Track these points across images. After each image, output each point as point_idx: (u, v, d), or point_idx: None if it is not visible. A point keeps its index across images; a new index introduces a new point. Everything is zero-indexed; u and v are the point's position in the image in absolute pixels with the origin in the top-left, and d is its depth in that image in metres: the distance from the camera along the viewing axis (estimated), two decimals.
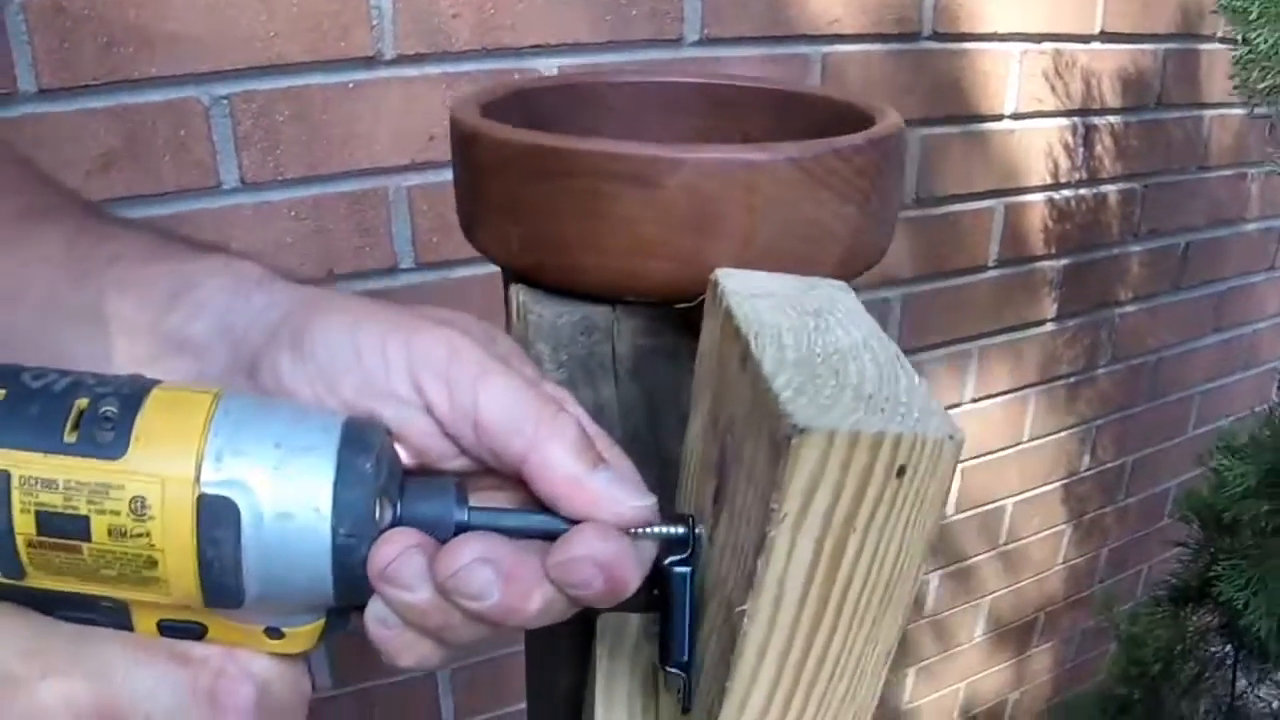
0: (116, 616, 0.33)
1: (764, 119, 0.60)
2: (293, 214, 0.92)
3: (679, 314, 0.45)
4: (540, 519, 0.34)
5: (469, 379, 0.34)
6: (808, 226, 0.43)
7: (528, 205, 0.44)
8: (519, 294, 0.48)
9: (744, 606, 0.30)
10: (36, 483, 0.29)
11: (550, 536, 0.33)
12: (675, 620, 0.36)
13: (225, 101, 0.87)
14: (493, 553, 0.32)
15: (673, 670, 0.36)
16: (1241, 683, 1.43)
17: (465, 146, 0.47)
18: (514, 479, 0.35)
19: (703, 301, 0.39)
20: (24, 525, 0.30)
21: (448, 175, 0.95)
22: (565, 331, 0.47)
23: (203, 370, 0.36)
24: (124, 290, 0.37)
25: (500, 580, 0.32)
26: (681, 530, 0.35)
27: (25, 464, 0.29)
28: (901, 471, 0.28)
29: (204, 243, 0.41)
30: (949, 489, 0.29)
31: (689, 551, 0.35)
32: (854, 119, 0.50)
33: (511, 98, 0.55)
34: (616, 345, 0.48)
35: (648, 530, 0.34)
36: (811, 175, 0.42)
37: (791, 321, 0.34)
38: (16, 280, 0.38)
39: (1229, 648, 1.42)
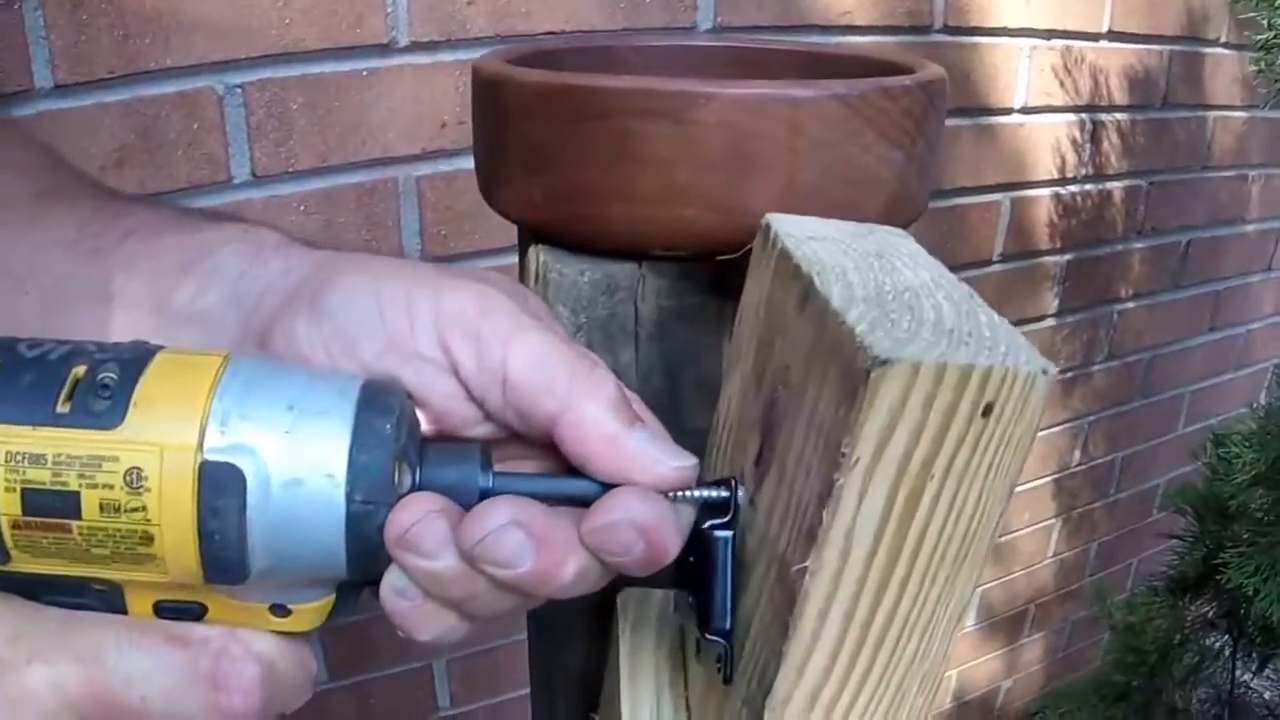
0: (110, 599, 0.31)
1: (781, 78, 0.58)
2: (302, 208, 0.91)
3: (709, 271, 0.42)
4: (573, 483, 0.32)
5: (500, 335, 0.32)
6: (852, 170, 0.40)
7: (553, 152, 0.41)
8: (539, 254, 0.45)
9: (805, 564, 0.28)
10: (23, 458, 0.27)
11: (583, 502, 0.32)
12: (717, 586, 0.34)
13: (239, 90, 0.85)
14: (524, 516, 0.30)
15: (713, 638, 0.34)
16: (1240, 673, 1.44)
17: (488, 95, 0.44)
18: (541, 445, 0.33)
19: (748, 252, 0.37)
20: (8, 505, 0.28)
21: (458, 164, 0.96)
22: (586, 292, 0.44)
23: (210, 340, 0.34)
24: (134, 266, 0.36)
25: (533, 546, 0.30)
26: (724, 493, 0.33)
27: (11, 439, 0.27)
28: (989, 410, 0.26)
29: (223, 213, 0.40)
30: (1035, 432, 0.27)
31: (730, 515, 0.33)
32: (886, 73, 0.47)
33: (535, 56, 0.51)
34: (640, 306, 0.45)
35: (688, 494, 0.33)
36: (859, 114, 0.39)
37: (855, 261, 0.31)
38: (28, 265, 0.37)
39: (1227, 637, 1.44)
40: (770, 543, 0.31)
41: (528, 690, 0.58)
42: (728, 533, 0.33)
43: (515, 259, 1.00)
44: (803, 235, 0.33)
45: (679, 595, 0.38)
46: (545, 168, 0.42)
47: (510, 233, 0.96)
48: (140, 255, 0.36)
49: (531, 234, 0.46)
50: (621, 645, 0.44)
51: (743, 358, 0.36)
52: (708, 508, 0.34)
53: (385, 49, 0.89)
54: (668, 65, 0.58)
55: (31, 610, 0.31)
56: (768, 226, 0.35)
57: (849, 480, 0.26)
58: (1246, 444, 1.15)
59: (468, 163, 0.96)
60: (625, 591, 0.45)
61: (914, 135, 0.42)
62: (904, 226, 0.44)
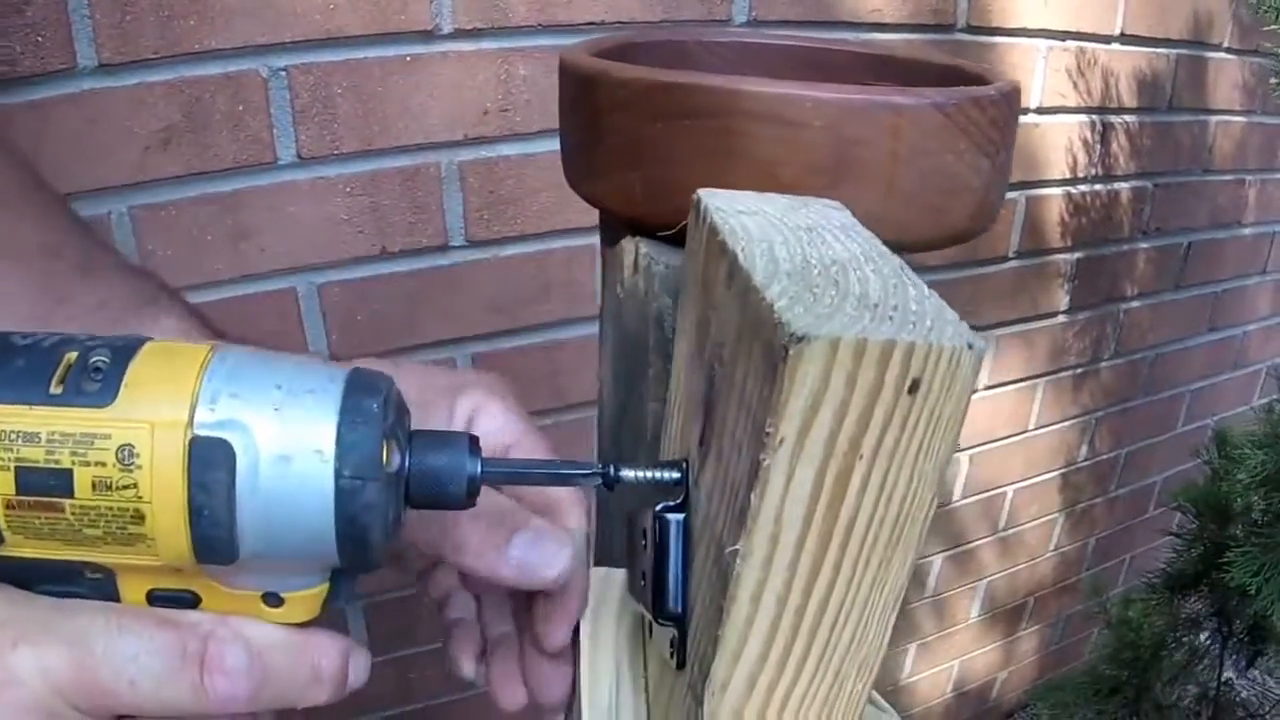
0: (102, 587, 0.31)
1: (855, 80, 0.59)
2: (348, 190, 0.91)
3: None
4: (554, 470, 0.35)
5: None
6: (945, 176, 0.41)
7: (654, 148, 0.41)
8: (638, 245, 0.45)
9: (736, 546, 0.27)
10: (16, 437, 0.27)
11: (570, 483, 0.35)
12: (669, 569, 0.33)
13: (284, 74, 0.86)
14: None
15: (664, 623, 0.34)
16: (1227, 671, 1.47)
17: (584, 89, 0.44)
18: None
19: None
20: (2, 484, 0.28)
21: (500, 151, 0.96)
22: None
23: None
24: None
25: None
26: (674, 475, 0.33)
27: (5, 418, 0.28)
28: (915, 387, 0.24)
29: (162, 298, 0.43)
30: (965, 411, 0.26)
31: (682, 497, 0.33)
32: (957, 80, 0.49)
33: (612, 50, 0.52)
34: None
35: (638, 475, 0.33)
36: (954, 123, 0.40)
37: (783, 235, 0.31)
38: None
39: (1216, 636, 1.46)
40: (710, 524, 0.30)
41: None
42: (679, 515, 0.33)
43: (554, 244, 1.01)
44: (732, 209, 0.33)
45: (631, 577, 0.38)
46: (646, 162, 0.42)
47: (548, 219, 0.97)
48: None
49: (627, 225, 0.47)
50: (583, 624, 0.44)
51: (685, 335, 0.35)
52: (659, 488, 0.33)
53: (428, 35, 0.90)
54: (736, 62, 0.59)
55: (24, 597, 0.31)
56: (698, 201, 0.34)
57: (775, 461, 0.25)
58: (1255, 445, 1.17)
59: (509, 149, 0.97)
60: (590, 570, 0.45)
61: (999, 144, 0.43)
62: (982, 232, 0.46)
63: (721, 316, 0.30)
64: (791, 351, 0.23)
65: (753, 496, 0.26)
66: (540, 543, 0.39)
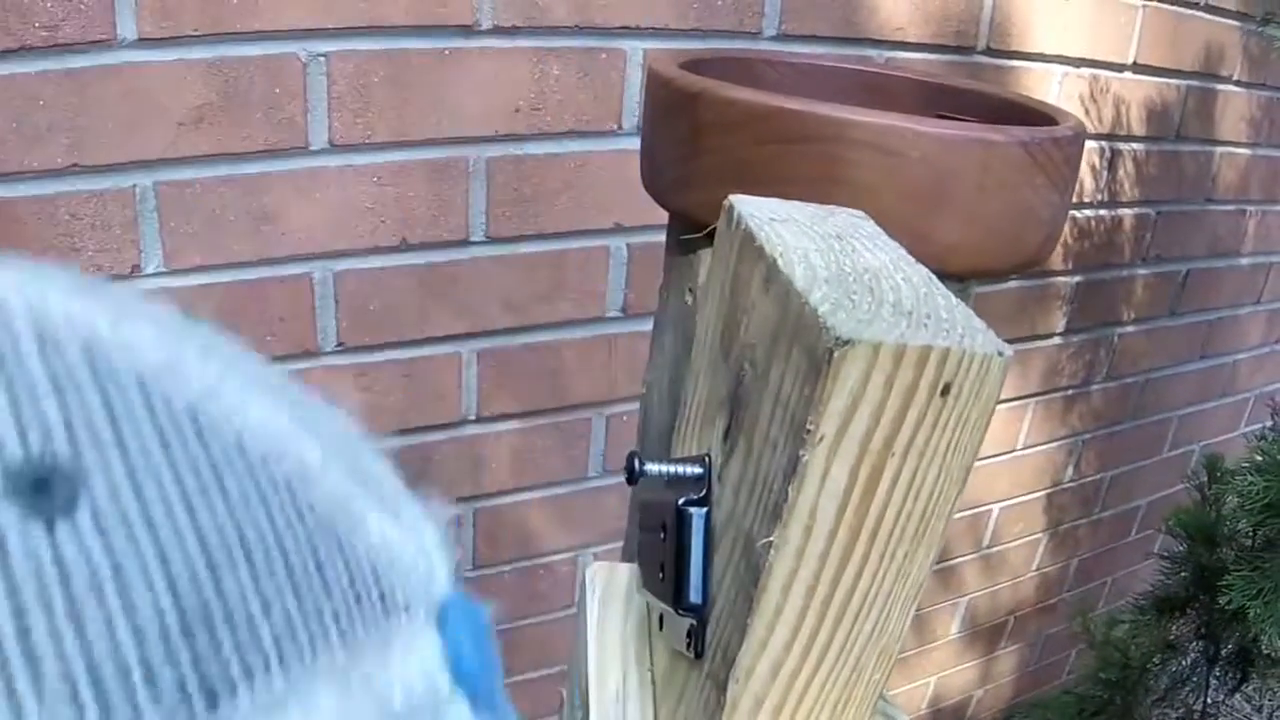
0: None
1: (917, 108, 0.60)
2: (376, 179, 0.91)
3: None
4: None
5: None
6: (1023, 209, 0.44)
7: (756, 168, 0.43)
8: None
9: (769, 538, 0.28)
10: None
11: None
12: (691, 562, 0.34)
13: (323, 59, 0.86)
14: None
15: (684, 614, 0.35)
16: (1214, 694, 1.49)
17: (684, 104, 0.46)
18: None
19: (712, 232, 0.38)
20: None
21: (529, 148, 0.97)
22: None
23: None
24: None
25: None
26: (698, 469, 0.34)
27: None
28: (947, 390, 0.26)
29: None
30: (992, 414, 0.27)
31: (705, 491, 0.34)
32: (1016, 114, 0.51)
33: (689, 65, 0.53)
34: None
35: (661, 469, 0.34)
36: (1034, 159, 0.43)
37: (817, 244, 0.32)
38: None
39: (1204, 659, 1.49)
40: (737, 518, 0.32)
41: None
42: (702, 509, 0.34)
43: (571, 244, 1.02)
44: (765, 216, 0.34)
45: (645, 570, 0.39)
46: (748, 182, 0.43)
47: (568, 219, 0.97)
48: None
49: (709, 238, 0.48)
50: (589, 618, 0.44)
51: (709, 336, 0.36)
52: (679, 482, 0.34)
53: (468, 30, 0.90)
54: (798, 83, 0.61)
55: None
56: (730, 207, 0.36)
57: (813, 457, 0.27)
58: (1254, 470, 1.19)
59: (538, 148, 0.97)
60: (593, 565, 0.47)
61: (1069, 180, 0.46)
62: (1047, 261, 0.48)
63: (755, 319, 0.31)
64: (836, 354, 0.25)
65: (789, 490, 0.27)
66: None
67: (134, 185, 0.83)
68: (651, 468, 0.35)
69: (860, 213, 0.38)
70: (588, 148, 1.00)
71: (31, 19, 0.75)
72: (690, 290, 0.47)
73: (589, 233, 1.04)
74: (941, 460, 0.28)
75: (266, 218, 0.89)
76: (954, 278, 0.44)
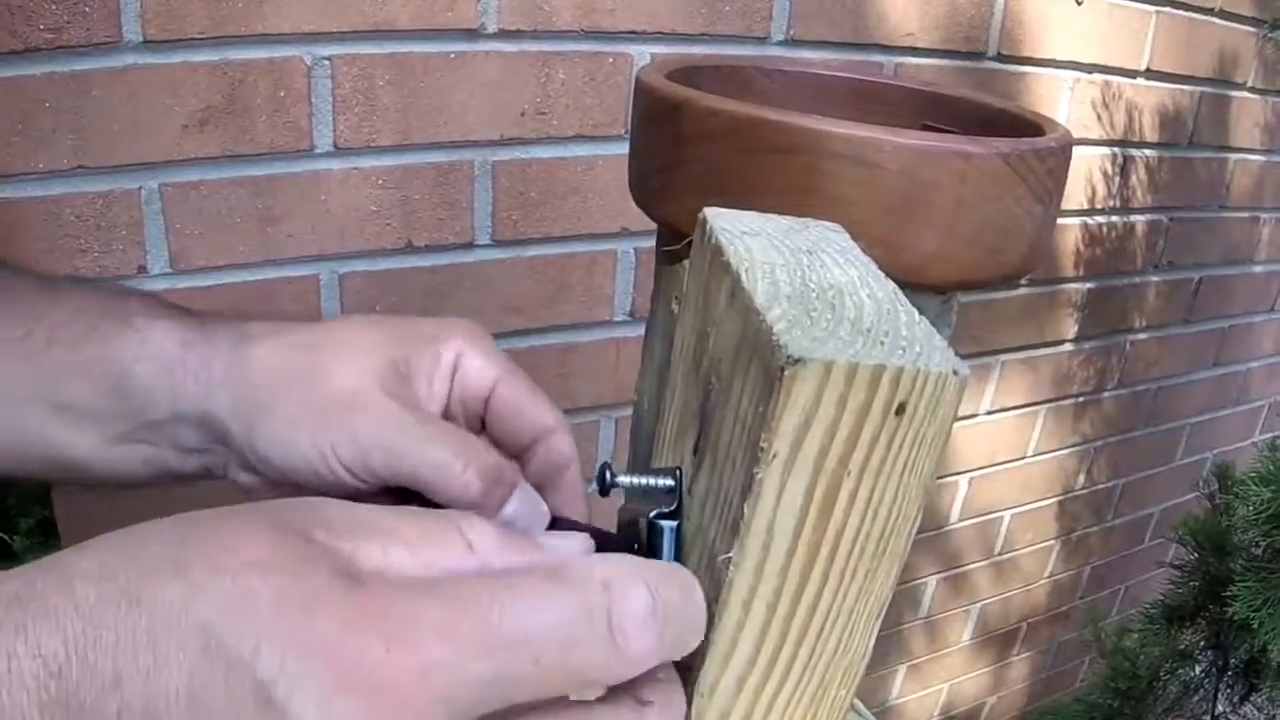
0: None
1: (908, 118, 0.60)
2: (381, 182, 0.92)
3: None
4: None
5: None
6: (1003, 221, 0.43)
7: (735, 178, 0.43)
8: None
9: (729, 554, 0.28)
10: None
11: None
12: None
13: (327, 62, 0.86)
14: None
15: None
16: (1223, 705, 1.48)
17: (667, 114, 0.46)
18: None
19: (689, 243, 0.38)
20: None
21: (535, 153, 0.97)
22: None
23: (160, 457, 0.43)
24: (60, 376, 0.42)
25: None
26: (668, 482, 0.34)
27: None
28: (901, 409, 0.26)
29: (131, 303, 0.45)
30: (949, 432, 0.27)
31: (676, 504, 0.34)
32: (1008, 124, 0.51)
33: (679, 74, 0.53)
34: None
35: (632, 481, 0.34)
36: (1015, 171, 0.43)
37: (784, 259, 0.32)
38: None
39: (1214, 669, 1.48)
40: (702, 532, 0.31)
41: None
42: (672, 522, 0.34)
43: (576, 248, 1.02)
44: (737, 230, 0.34)
45: None
46: (729, 192, 0.43)
47: (573, 223, 0.97)
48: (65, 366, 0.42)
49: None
50: None
51: (684, 347, 0.36)
52: (650, 494, 0.34)
53: (474, 34, 0.90)
54: (793, 91, 0.60)
55: (374, 578, 0.26)
56: (704, 220, 0.35)
57: (768, 474, 0.27)
58: (1259, 481, 1.18)
59: (543, 152, 0.98)
60: None
61: (1053, 192, 0.45)
62: (1031, 273, 0.47)
63: (721, 333, 0.31)
64: (788, 372, 0.25)
65: (746, 507, 0.27)
66: (529, 501, 0.42)
67: (139, 187, 0.84)
68: (623, 479, 0.35)
69: (835, 226, 0.38)
70: (594, 152, 1.00)
71: (36, 21, 0.76)
72: (676, 299, 0.47)
73: (596, 236, 1.04)
74: (899, 479, 0.27)
75: (272, 220, 0.90)
76: (934, 290, 0.44)
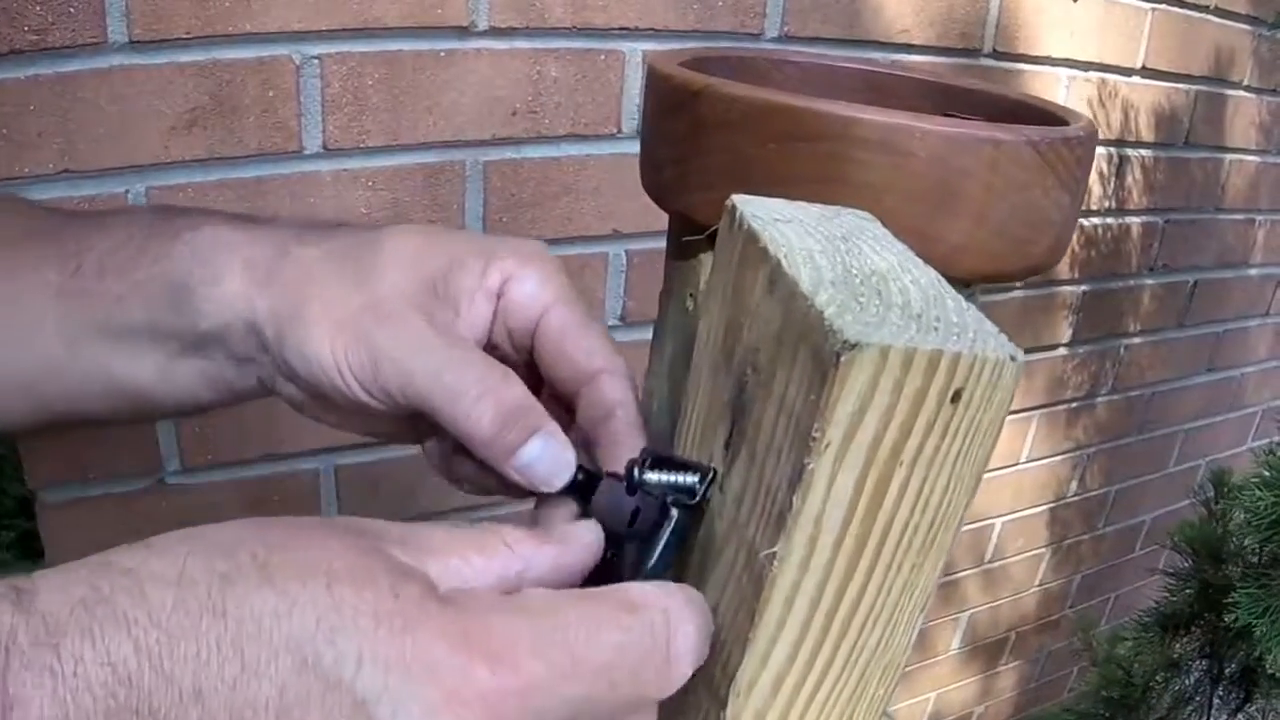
0: None
1: (927, 109, 0.59)
2: (370, 183, 0.90)
3: None
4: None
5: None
6: (1032, 211, 0.42)
7: (759, 167, 0.41)
8: None
9: (772, 549, 0.28)
10: None
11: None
12: (654, 553, 0.33)
13: (316, 62, 0.84)
14: None
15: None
16: (1217, 714, 1.47)
17: (686, 101, 0.44)
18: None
19: (714, 233, 0.37)
20: None
21: (526, 152, 0.95)
22: None
23: (219, 372, 0.42)
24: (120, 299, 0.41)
25: None
26: (694, 479, 0.33)
27: None
28: (957, 396, 0.25)
29: (179, 221, 0.43)
30: (1004, 421, 0.27)
31: (696, 499, 0.33)
32: (1026, 114, 0.50)
33: (691, 64, 0.53)
34: None
35: (660, 478, 0.33)
36: (1045, 160, 0.42)
37: (821, 245, 0.31)
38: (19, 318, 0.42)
39: (1208, 677, 1.47)
40: (739, 528, 0.31)
41: None
42: (685, 511, 0.33)
43: (568, 250, 1.00)
44: (769, 217, 0.33)
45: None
46: (747, 180, 0.42)
47: (565, 225, 0.96)
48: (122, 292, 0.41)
49: (711, 240, 0.47)
50: None
51: (711, 339, 0.35)
52: (679, 492, 0.33)
53: (464, 32, 0.89)
54: (805, 82, 0.59)
55: (466, 600, 0.26)
56: (733, 208, 0.34)
57: (819, 465, 0.26)
58: (1262, 486, 1.17)
59: (535, 151, 0.96)
60: None
61: (1079, 181, 0.44)
62: (1056, 265, 0.46)
63: (758, 321, 0.30)
64: (844, 358, 0.24)
65: (794, 499, 0.26)
66: (552, 450, 0.38)
67: (126, 190, 0.82)
68: (651, 477, 0.34)
69: (866, 213, 0.37)
70: (586, 151, 0.98)
71: (21, 23, 0.73)
72: (691, 295, 0.45)
73: (587, 239, 1.02)
74: (951, 469, 0.27)
75: None
76: (960, 282, 0.42)
